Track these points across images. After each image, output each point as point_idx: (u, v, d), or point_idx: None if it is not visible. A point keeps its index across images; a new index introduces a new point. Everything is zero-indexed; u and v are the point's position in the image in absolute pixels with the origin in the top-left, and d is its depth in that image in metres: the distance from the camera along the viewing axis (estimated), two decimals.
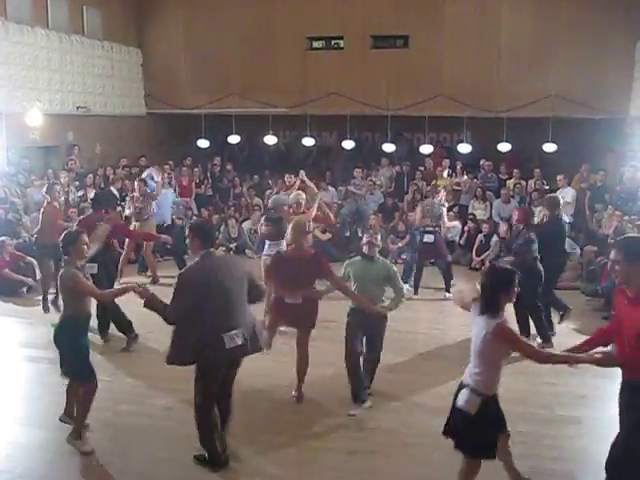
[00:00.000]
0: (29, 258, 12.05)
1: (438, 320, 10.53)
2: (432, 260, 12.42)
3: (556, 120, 15.72)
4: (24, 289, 11.67)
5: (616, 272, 4.82)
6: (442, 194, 12.20)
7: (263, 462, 6.05)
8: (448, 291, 11.51)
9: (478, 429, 4.82)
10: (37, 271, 12.03)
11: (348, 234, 15.32)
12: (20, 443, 6.39)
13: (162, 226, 13.70)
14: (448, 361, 8.28)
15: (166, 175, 15.64)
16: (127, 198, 13.28)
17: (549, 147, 15.78)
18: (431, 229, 11.65)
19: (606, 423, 6.65)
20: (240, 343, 5.64)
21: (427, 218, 11.68)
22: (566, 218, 14.11)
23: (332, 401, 7.14)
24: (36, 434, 6.51)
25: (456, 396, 4.96)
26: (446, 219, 12.20)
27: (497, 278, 4.87)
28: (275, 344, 7.33)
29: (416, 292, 11.77)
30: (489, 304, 4.76)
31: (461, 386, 4.95)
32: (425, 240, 11.67)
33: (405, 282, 10.93)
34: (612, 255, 4.83)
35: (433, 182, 15.99)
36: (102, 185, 14.97)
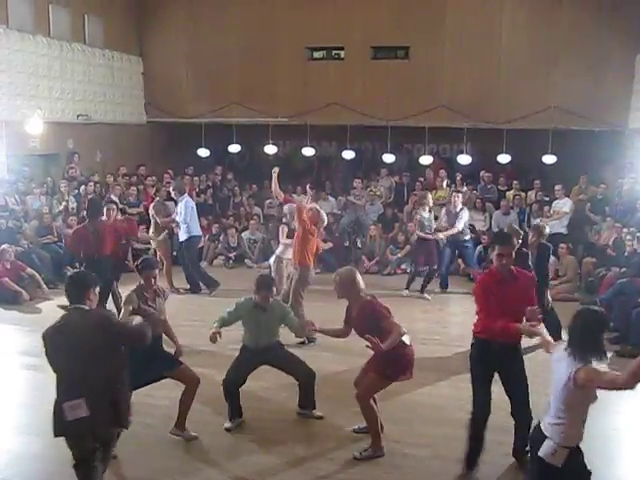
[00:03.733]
0: (29, 269, 12.07)
1: (436, 330, 10.51)
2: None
3: (556, 132, 15.77)
4: (24, 297, 11.67)
5: (503, 262, 5.78)
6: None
7: (259, 471, 6.05)
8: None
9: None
10: (41, 283, 12.08)
11: (347, 244, 15.34)
12: (18, 452, 6.40)
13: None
14: (446, 372, 8.30)
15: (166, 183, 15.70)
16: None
17: (549, 159, 15.80)
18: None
19: (607, 435, 6.66)
20: (84, 415, 4.89)
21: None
22: (561, 229, 14.16)
23: (332, 410, 7.14)
24: (34, 442, 6.49)
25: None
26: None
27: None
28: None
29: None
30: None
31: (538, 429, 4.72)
32: None
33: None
34: (499, 249, 5.81)
35: (433, 193, 16.04)
36: (102, 193, 14.94)
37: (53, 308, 10.93)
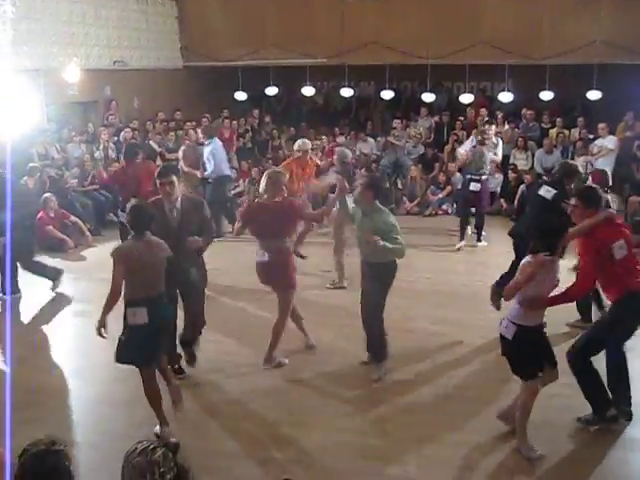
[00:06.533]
0: (73, 217, 12.17)
1: (476, 271, 10.41)
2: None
3: (601, 67, 15.30)
4: (69, 244, 11.79)
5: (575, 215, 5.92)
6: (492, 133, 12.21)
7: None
8: (479, 240, 11.79)
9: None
10: (85, 230, 12.19)
11: (387, 185, 15.16)
12: (72, 395, 6.61)
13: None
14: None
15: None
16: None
17: (593, 95, 15.39)
18: (477, 177, 11.50)
19: None
20: None
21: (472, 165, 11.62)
22: (606, 168, 13.82)
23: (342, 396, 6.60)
24: (84, 388, 6.71)
25: None
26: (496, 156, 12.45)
27: None
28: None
29: (462, 238, 11.71)
30: None
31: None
32: (472, 189, 11.54)
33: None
34: (573, 202, 5.98)
35: (474, 132, 15.75)
36: (142, 139, 14.95)
37: (97, 255, 11.16)
